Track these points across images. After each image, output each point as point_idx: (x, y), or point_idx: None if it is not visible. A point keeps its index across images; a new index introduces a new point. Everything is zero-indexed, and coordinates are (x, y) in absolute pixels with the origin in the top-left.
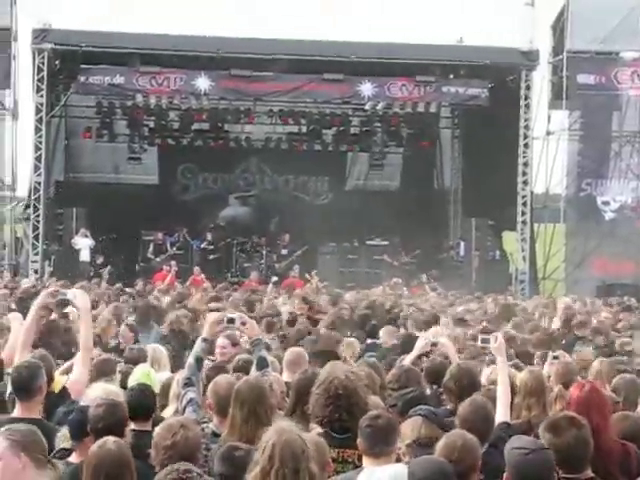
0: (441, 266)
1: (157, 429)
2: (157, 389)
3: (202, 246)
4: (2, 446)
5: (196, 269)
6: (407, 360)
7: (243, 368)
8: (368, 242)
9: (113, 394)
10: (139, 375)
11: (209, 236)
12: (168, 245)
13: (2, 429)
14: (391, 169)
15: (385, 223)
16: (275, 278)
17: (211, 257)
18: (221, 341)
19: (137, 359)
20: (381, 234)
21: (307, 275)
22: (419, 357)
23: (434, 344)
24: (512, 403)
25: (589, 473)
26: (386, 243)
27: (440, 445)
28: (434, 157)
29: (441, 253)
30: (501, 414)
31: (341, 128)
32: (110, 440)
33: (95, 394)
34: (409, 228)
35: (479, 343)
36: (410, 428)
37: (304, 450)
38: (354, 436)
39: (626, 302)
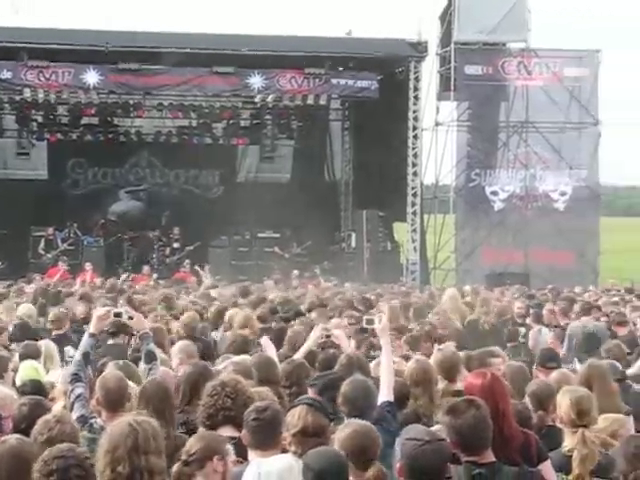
0: (333, 258)
1: (35, 426)
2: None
3: (93, 241)
4: None
5: (87, 265)
6: (300, 353)
7: (132, 362)
8: (259, 234)
9: (8, 397)
10: (27, 371)
11: (100, 231)
12: (59, 241)
13: None
14: (282, 161)
15: (276, 215)
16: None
17: (102, 252)
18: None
19: (31, 356)
20: (272, 226)
21: (197, 267)
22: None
23: (327, 335)
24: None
25: (491, 456)
26: (277, 235)
27: (340, 437)
28: (325, 149)
29: (333, 245)
30: (384, 394)
31: (231, 121)
32: (13, 437)
33: None
34: (300, 220)
35: (363, 324)
36: (296, 417)
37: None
38: (238, 444)
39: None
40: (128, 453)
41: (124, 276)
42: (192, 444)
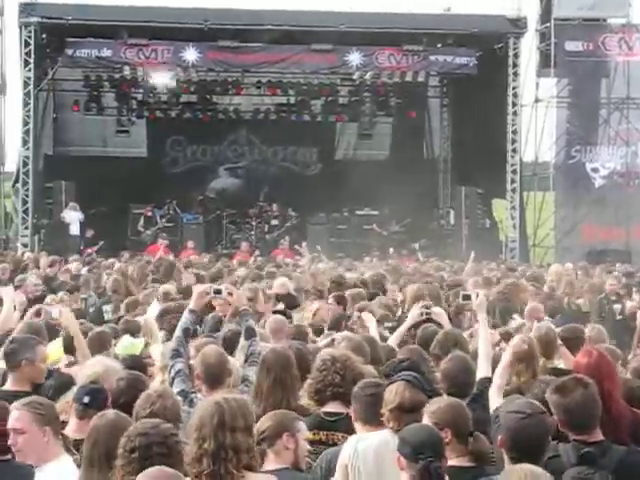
0: (431, 235)
1: (137, 401)
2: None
3: (192, 218)
4: (26, 420)
5: (190, 243)
6: (399, 331)
7: (231, 339)
8: (357, 212)
9: (112, 370)
10: (124, 346)
11: (199, 208)
12: (158, 218)
13: (23, 402)
14: (380, 138)
15: (374, 193)
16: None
17: (201, 229)
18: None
19: (131, 331)
20: (370, 204)
21: (296, 247)
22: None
23: (428, 313)
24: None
25: (599, 435)
26: (375, 213)
27: (429, 410)
28: (423, 126)
29: (431, 222)
30: (483, 369)
31: (329, 98)
32: (110, 412)
33: (93, 371)
34: (398, 198)
35: (460, 300)
36: (393, 393)
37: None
38: (346, 419)
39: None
40: (214, 430)
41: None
42: (263, 422)
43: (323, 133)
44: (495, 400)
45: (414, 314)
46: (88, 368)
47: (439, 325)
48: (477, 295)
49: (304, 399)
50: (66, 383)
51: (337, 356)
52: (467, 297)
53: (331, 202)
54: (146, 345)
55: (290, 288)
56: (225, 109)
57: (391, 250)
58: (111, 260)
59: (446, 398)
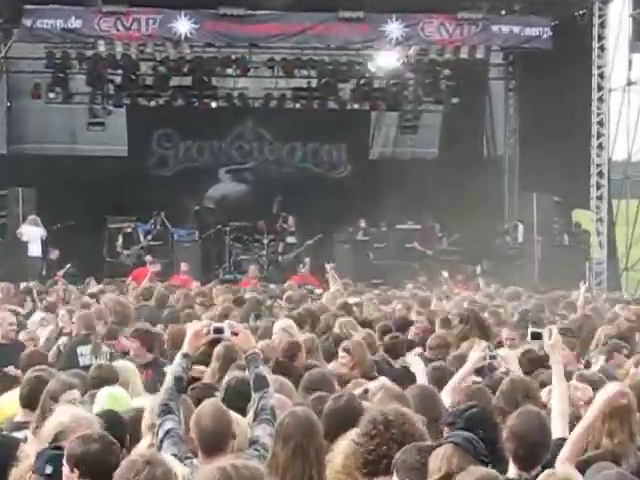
0: (493, 255)
1: (119, 469)
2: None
3: (185, 235)
4: None
5: (183, 265)
6: (456, 378)
7: (236, 390)
8: (398, 226)
9: (84, 421)
10: (104, 401)
11: (195, 222)
12: (141, 235)
13: None
14: (427, 132)
15: (420, 202)
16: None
17: (197, 248)
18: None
19: (106, 380)
20: (414, 216)
21: (327, 267)
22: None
23: (492, 357)
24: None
25: None
26: (418, 227)
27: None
28: (483, 116)
29: (493, 239)
30: (558, 428)
31: (362, 81)
32: None
33: (59, 421)
34: (451, 208)
35: (528, 338)
36: (439, 459)
37: None
38: None
39: None
40: None
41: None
42: None
43: (354, 125)
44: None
45: (474, 358)
46: (53, 419)
47: (505, 372)
48: (550, 333)
49: (333, 468)
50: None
51: (392, 419)
52: (537, 336)
53: (364, 214)
54: None
55: (296, 333)
56: (228, 95)
57: (444, 274)
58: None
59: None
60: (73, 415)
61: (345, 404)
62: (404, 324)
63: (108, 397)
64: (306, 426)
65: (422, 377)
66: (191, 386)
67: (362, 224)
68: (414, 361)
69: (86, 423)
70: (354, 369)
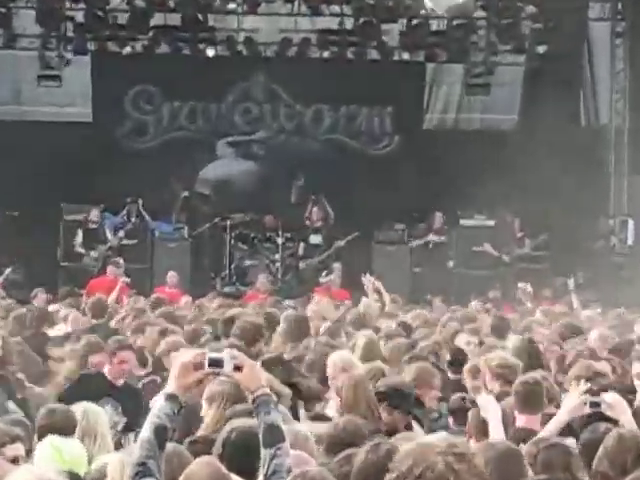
0: (592, 263)
1: None
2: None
3: (171, 231)
4: None
5: (171, 275)
6: (550, 428)
7: (239, 445)
8: (462, 222)
9: None
10: (44, 455)
11: (182, 213)
12: (109, 230)
13: None
14: (504, 93)
15: (492, 188)
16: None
17: (186, 249)
18: None
19: (58, 429)
20: (484, 208)
21: (366, 279)
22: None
23: (595, 404)
24: None
25: None
26: (491, 223)
27: None
28: (580, 71)
29: (592, 241)
30: None
31: (414, 21)
32: None
33: None
34: (536, 197)
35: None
36: None
37: None
38: None
39: None
40: None
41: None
42: None
43: (403, 82)
44: None
45: (573, 404)
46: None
47: (615, 423)
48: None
49: None
50: None
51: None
52: (595, 404)
53: (416, 204)
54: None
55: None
56: (230, 39)
57: (527, 288)
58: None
59: None
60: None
61: (386, 454)
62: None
63: (49, 450)
64: None
65: (498, 428)
66: (189, 439)
67: (437, 220)
68: (488, 404)
69: None
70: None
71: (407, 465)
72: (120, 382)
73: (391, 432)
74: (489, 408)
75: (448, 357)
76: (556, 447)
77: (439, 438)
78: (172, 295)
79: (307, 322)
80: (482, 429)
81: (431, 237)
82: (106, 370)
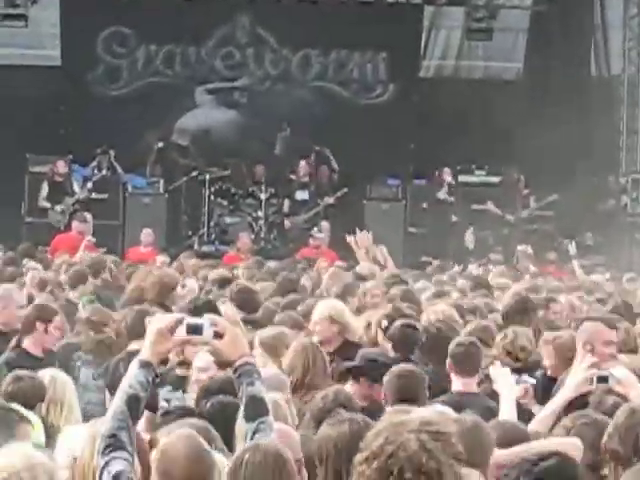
0: (601, 225)
1: None
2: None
3: (144, 184)
4: None
5: (146, 232)
6: (554, 404)
7: (218, 415)
8: (461, 178)
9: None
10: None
11: (157, 165)
12: (77, 183)
13: None
14: (508, 39)
15: (494, 142)
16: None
17: (161, 205)
18: (201, 360)
19: (25, 398)
20: (486, 163)
21: (349, 238)
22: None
23: (603, 379)
24: None
25: None
26: (495, 180)
27: None
28: (590, 15)
29: (601, 201)
30: None
31: None
32: None
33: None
34: (539, 153)
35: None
36: None
37: None
38: None
39: None
40: None
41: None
42: None
43: (398, 25)
44: None
45: (578, 379)
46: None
47: (624, 398)
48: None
49: None
50: None
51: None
52: (603, 379)
53: (411, 157)
54: (50, 428)
55: (349, 320)
56: None
57: (527, 250)
58: None
59: None
60: (27, 458)
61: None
62: None
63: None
64: (272, 466)
65: (510, 404)
66: (162, 410)
67: (446, 176)
68: (499, 376)
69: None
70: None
71: (378, 444)
72: None
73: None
74: (500, 381)
75: None
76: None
77: (427, 414)
78: (146, 255)
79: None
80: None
81: (441, 195)
82: None
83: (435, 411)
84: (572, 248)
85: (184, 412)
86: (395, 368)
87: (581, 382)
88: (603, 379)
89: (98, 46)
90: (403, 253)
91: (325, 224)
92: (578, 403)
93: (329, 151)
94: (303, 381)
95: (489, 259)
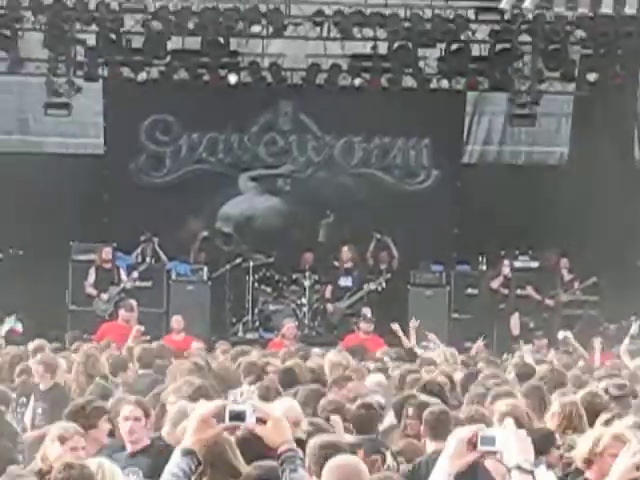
0: None
1: None
2: None
3: (188, 271)
4: None
5: (175, 320)
6: None
7: None
8: (512, 263)
9: None
10: None
11: (201, 253)
12: (122, 271)
13: None
14: (551, 123)
15: (538, 226)
16: None
17: (205, 292)
18: None
19: None
20: (531, 248)
21: (394, 326)
22: None
23: None
24: None
25: None
26: (535, 265)
27: None
28: (633, 102)
29: None
30: None
31: (454, 46)
32: None
33: None
34: (586, 236)
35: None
36: None
37: None
38: None
39: None
40: None
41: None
42: None
43: (441, 112)
44: None
45: (623, 465)
46: None
47: None
48: None
49: None
50: None
51: None
52: None
53: (454, 244)
54: None
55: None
56: (254, 64)
57: (567, 336)
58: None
59: None
60: None
61: None
62: None
63: None
64: None
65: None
66: None
67: (504, 268)
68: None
69: None
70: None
71: None
72: None
73: None
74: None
75: None
76: None
77: None
78: (180, 343)
79: None
80: None
81: (495, 285)
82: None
83: None
84: (636, 326)
85: None
86: None
87: (629, 468)
88: None
89: (141, 134)
90: (448, 339)
91: (366, 310)
92: None
93: (390, 240)
94: None
95: (533, 343)
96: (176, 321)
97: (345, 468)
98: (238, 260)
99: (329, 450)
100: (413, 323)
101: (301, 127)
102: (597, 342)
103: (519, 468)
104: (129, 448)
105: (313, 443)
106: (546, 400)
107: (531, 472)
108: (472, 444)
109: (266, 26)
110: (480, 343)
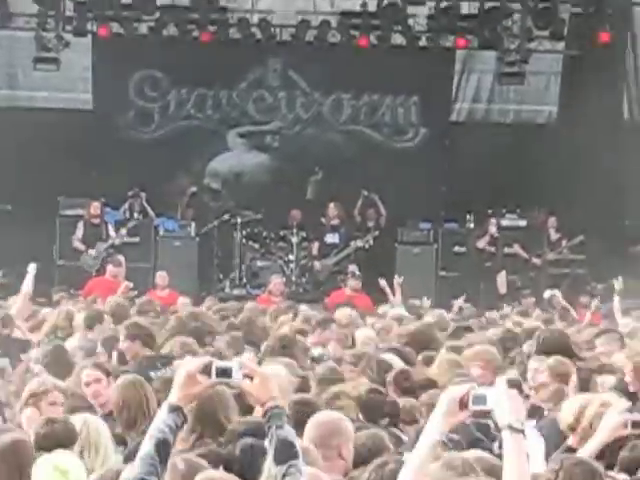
0: (634, 269)
1: None
2: None
3: (176, 227)
4: None
5: (160, 276)
6: (587, 450)
7: (244, 458)
8: (493, 221)
9: None
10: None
11: (189, 209)
12: (110, 226)
13: None
14: (540, 82)
15: (526, 185)
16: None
17: (193, 248)
18: None
19: (58, 442)
20: (519, 205)
21: (382, 282)
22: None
23: (638, 424)
24: None
25: None
26: (523, 224)
27: None
28: (623, 60)
29: (635, 242)
30: None
31: (443, 4)
32: None
33: None
34: (574, 196)
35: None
36: None
37: None
38: None
39: None
40: None
41: None
42: None
43: (430, 70)
44: None
45: (610, 423)
46: None
47: None
48: None
49: None
50: None
51: None
52: (638, 425)
53: (442, 202)
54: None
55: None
56: (242, 21)
57: (553, 293)
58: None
59: None
60: None
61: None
62: None
63: (52, 473)
64: None
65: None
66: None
67: (491, 227)
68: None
69: None
70: None
71: None
72: None
73: None
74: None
75: None
76: (581, 465)
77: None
78: (165, 299)
79: None
80: None
81: (481, 244)
82: None
83: None
84: (618, 283)
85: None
86: None
87: (614, 427)
88: (638, 424)
89: (130, 89)
90: (435, 296)
91: (353, 267)
92: (612, 447)
93: (378, 197)
94: None
95: (520, 303)
96: (160, 277)
97: (328, 425)
98: (226, 216)
99: (303, 407)
100: (397, 280)
101: (290, 84)
102: (594, 303)
103: (510, 427)
104: (99, 412)
105: (288, 400)
106: None
107: (522, 431)
108: (464, 403)
109: None
110: (460, 300)
